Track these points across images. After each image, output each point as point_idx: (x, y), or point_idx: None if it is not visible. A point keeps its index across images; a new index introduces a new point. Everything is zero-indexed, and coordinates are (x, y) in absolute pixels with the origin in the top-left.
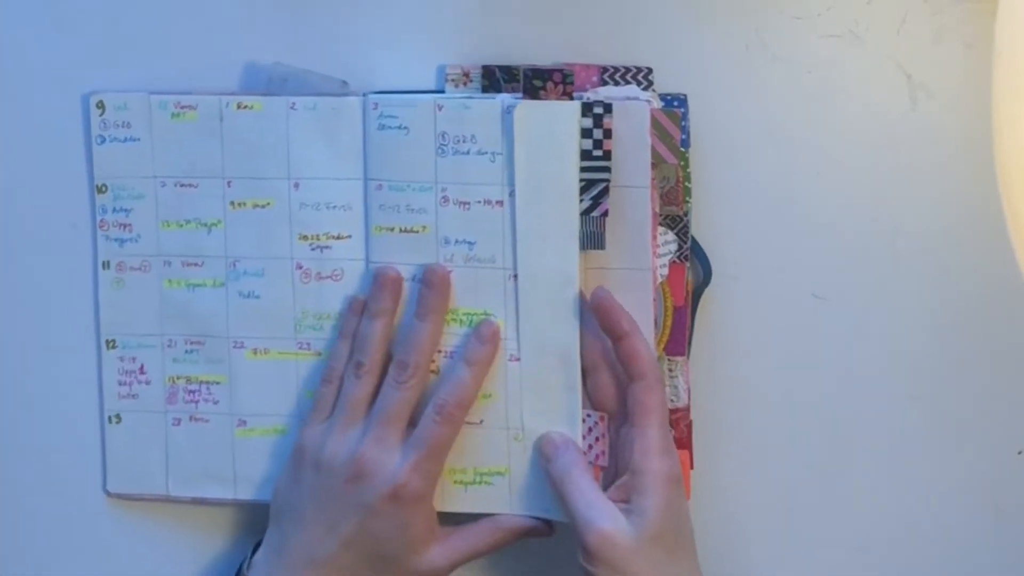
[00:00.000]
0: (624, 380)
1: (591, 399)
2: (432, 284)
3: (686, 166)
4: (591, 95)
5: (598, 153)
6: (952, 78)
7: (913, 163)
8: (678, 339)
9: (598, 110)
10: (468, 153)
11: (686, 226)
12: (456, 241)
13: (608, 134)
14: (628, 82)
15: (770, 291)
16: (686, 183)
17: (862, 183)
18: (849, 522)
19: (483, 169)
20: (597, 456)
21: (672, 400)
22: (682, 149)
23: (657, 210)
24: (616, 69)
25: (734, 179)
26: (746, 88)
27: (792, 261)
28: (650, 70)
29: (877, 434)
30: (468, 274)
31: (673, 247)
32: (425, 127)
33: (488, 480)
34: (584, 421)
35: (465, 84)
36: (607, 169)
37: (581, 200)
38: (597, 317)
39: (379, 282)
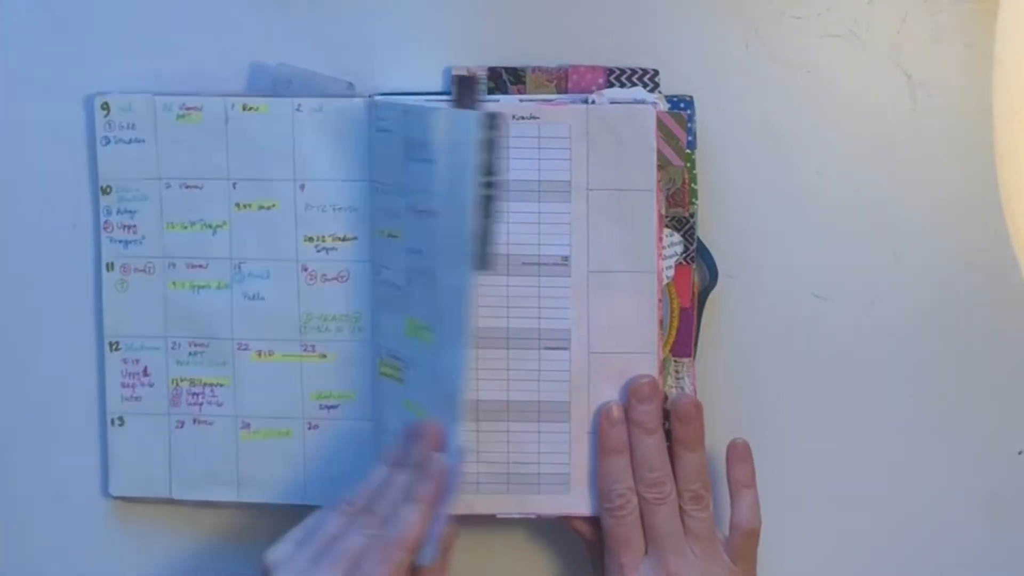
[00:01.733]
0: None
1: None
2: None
3: (692, 167)
4: (596, 97)
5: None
6: (952, 78)
7: (913, 163)
8: (684, 341)
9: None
10: (419, 159)
11: (692, 228)
12: (413, 250)
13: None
14: (634, 84)
15: (776, 292)
16: (692, 185)
17: (862, 183)
18: (851, 520)
19: (428, 176)
20: None
21: None
22: (688, 151)
23: (663, 212)
24: (623, 71)
25: (739, 180)
26: (746, 88)
27: (796, 261)
28: (656, 72)
29: (878, 434)
30: (422, 283)
31: (679, 248)
32: (398, 131)
33: None
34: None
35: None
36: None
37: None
38: (675, 424)
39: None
